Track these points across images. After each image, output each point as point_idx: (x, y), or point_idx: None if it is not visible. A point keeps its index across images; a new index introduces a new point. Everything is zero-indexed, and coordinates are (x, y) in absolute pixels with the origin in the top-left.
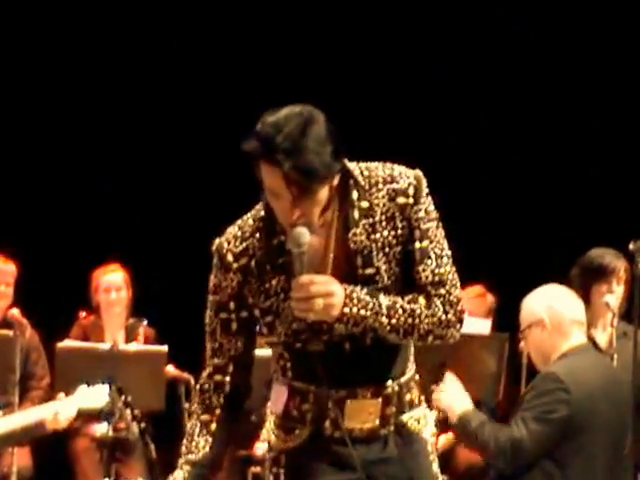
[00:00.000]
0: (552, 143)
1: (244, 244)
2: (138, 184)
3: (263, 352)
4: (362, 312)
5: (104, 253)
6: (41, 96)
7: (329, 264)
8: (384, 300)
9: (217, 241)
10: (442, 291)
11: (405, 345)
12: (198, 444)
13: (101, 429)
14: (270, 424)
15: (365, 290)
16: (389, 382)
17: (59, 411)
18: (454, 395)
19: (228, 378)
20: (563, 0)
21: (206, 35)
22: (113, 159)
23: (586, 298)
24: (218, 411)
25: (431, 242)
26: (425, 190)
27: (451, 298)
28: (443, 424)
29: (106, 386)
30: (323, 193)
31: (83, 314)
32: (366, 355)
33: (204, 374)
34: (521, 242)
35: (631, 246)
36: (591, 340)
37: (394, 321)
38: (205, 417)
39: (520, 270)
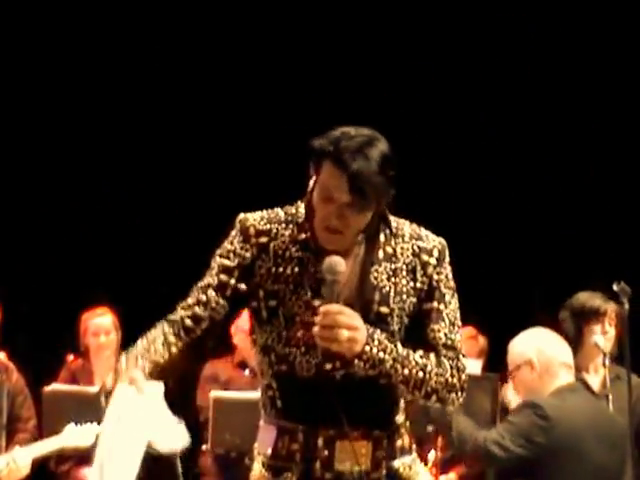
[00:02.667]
0: (537, 188)
1: (268, 226)
2: (125, 226)
3: (253, 395)
4: (381, 354)
5: (92, 296)
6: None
7: (349, 294)
8: (400, 348)
9: (242, 214)
10: (452, 354)
11: (395, 390)
12: (157, 351)
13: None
14: (259, 465)
15: (384, 334)
16: (379, 424)
17: (14, 459)
18: None
19: (199, 332)
20: (563, 0)
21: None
22: (101, 203)
23: (578, 341)
24: (181, 343)
25: (446, 307)
26: (447, 258)
27: (459, 364)
28: (443, 464)
29: (94, 425)
30: (367, 217)
31: (71, 357)
32: (356, 394)
33: (179, 310)
34: (511, 285)
35: (615, 287)
36: (583, 383)
37: (406, 371)
38: (171, 338)
39: (510, 313)
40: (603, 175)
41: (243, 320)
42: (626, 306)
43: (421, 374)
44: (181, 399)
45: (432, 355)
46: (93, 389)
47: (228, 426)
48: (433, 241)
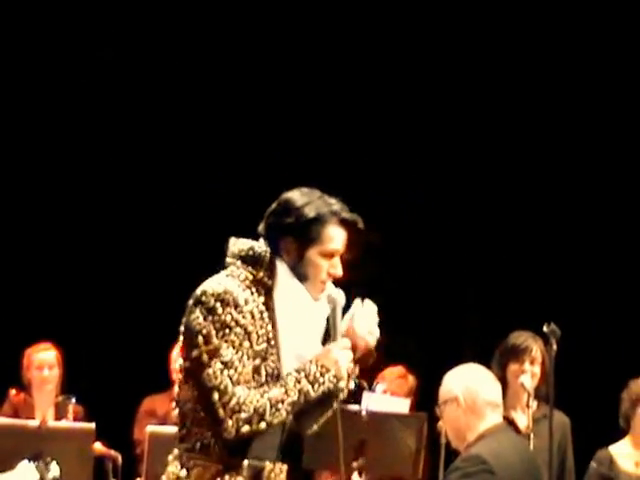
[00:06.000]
0: (477, 232)
1: (240, 294)
2: (67, 264)
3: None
4: None
5: (35, 332)
6: None
7: None
8: None
9: (221, 287)
10: None
11: None
12: None
13: None
14: None
15: None
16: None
17: None
18: None
19: None
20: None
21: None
22: (43, 240)
23: (503, 379)
24: None
25: None
26: None
27: None
28: None
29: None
30: None
31: (13, 392)
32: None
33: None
34: (442, 324)
35: (545, 328)
36: (510, 422)
37: None
38: None
39: (441, 351)
40: (539, 214)
41: None
42: (554, 347)
43: None
44: (119, 432)
45: None
46: (33, 422)
47: (162, 460)
48: None
